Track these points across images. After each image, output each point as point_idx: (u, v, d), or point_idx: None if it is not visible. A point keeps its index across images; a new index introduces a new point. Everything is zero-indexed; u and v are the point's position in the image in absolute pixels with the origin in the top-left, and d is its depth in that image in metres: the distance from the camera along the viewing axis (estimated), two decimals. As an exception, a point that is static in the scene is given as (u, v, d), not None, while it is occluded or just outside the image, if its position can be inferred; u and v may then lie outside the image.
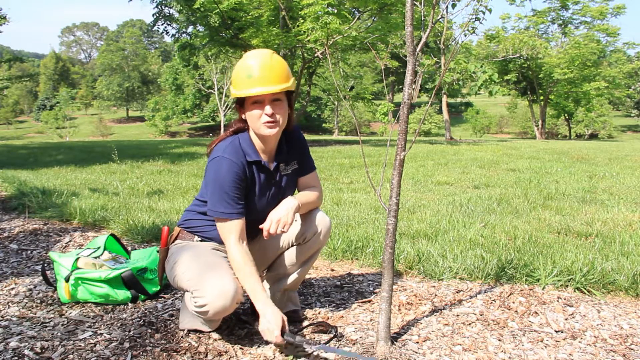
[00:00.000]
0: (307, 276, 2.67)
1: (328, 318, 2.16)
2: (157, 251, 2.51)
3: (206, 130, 49.69)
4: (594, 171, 7.58)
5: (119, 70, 66.01)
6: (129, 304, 2.27)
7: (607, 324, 2.09)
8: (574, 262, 2.60)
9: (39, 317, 2.10)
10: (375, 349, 1.79)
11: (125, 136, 47.73)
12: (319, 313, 2.21)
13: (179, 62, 47.88)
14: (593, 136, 41.15)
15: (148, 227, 3.49)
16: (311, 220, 2.00)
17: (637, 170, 7.86)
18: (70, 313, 2.16)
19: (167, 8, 17.51)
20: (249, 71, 1.77)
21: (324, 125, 50.06)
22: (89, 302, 2.26)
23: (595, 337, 1.97)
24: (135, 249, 2.85)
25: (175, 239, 2.03)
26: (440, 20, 1.83)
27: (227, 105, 37.68)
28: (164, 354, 1.77)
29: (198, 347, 1.83)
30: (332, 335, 1.93)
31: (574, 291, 2.44)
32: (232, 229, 1.82)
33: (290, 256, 2.04)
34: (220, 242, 1.90)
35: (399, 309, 2.21)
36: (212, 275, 1.76)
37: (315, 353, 1.74)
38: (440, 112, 39.16)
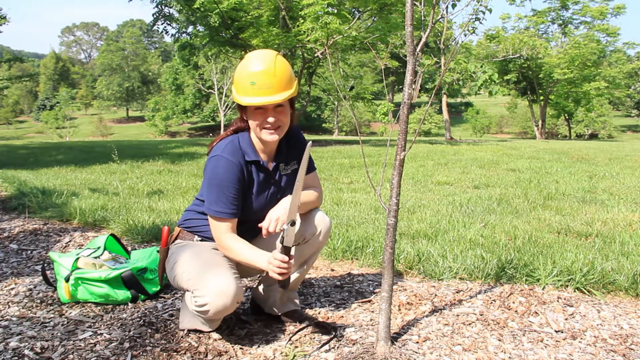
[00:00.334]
0: (307, 276, 2.67)
1: (328, 318, 2.16)
2: (157, 251, 2.51)
3: (206, 130, 49.68)
4: (594, 171, 7.58)
5: (119, 70, 66.00)
6: (129, 304, 2.27)
7: (607, 324, 2.09)
8: (574, 262, 2.60)
9: (39, 317, 2.10)
10: (375, 349, 1.79)
11: (125, 136, 47.73)
12: (319, 313, 2.21)
13: (179, 62, 47.83)
14: (593, 136, 41.15)
15: (148, 227, 3.49)
16: (311, 220, 2.00)
17: (637, 170, 7.86)
18: (70, 313, 2.16)
19: (167, 8, 17.51)
20: (252, 78, 1.76)
21: (324, 125, 50.05)
22: (89, 302, 2.26)
23: (595, 337, 1.97)
24: (135, 249, 2.85)
25: (176, 238, 2.03)
26: (440, 20, 1.83)
27: (227, 105, 37.67)
28: (164, 354, 1.77)
29: (198, 347, 1.83)
30: (332, 335, 1.93)
31: (574, 291, 2.44)
32: (224, 229, 1.83)
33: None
34: None
35: (399, 309, 2.21)
36: (213, 274, 1.76)
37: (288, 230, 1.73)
38: (440, 112, 39.16)
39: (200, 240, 1.99)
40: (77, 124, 52.15)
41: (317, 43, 12.40)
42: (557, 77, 27.72)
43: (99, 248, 2.46)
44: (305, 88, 16.84)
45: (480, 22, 2.06)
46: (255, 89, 1.76)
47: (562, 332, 2.00)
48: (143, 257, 2.51)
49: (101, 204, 4.18)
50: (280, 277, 1.72)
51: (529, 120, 38.21)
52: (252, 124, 1.85)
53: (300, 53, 15.15)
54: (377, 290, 2.47)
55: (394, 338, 1.89)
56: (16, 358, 1.73)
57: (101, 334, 1.93)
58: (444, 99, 28.72)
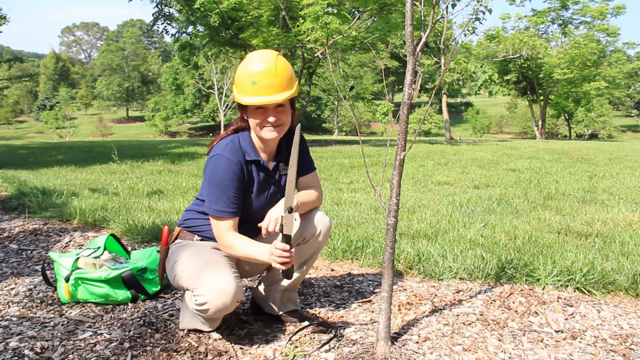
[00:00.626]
0: (307, 276, 2.67)
1: (328, 318, 2.16)
2: (158, 251, 2.51)
3: (206, 130, 49.69)
4: (594, 171, 7.58)
5: (119, 70, 66.01)
6: (129, 304, 2.27)
7: (607, 324, 2.09)
8: (574, 262, 2.60)
9: (39, 317, 2.10)
10: (375, 349, 1.79)
11: (125, 136, 47.73)
12: (319, 313, 2.21)
13: (179, 62, 47.81)
14: (593, 136, 41.15)
15: (148, 227, 3.49)
16: (310, 220, 2.00)
17: (637, 170, 7.86)
18: (70, 313, 2.16)
19: (167, 8, 17.51)
20: (253, 77, 1.76)
21: (324, 125, 50.06)
22: (89, 302, 2.26)
23: (595, 337, 1.97)
24: (135, 249, 2.85)
25: (176, 238, 2.03)
26: (440, 20, 1.83)
27: (227, 105, 37.68)
28: (164, 354, 1.77)
29: (198, 347, 1.83)
30: (332, 335, 1.93)
31: (574, 291, 2.44)
32: (225, 227, 1.83)
33: None
34: None
35: (399, 309, 2.21)
36: (213, 273, 1.76)
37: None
38: (440, 112, 39.16)
39: (200, 240, 1.99)
40: (77, 124, 52.17)
41: (317, 43, 12.40)
42: (557, 77, 27.73)
43: (99, 248, 2.46)
44: (305, 88, 16.84)
45: (480, 22, 2.05)
46: (256, 89, 1.76)
47: (562, 332, 2.00)
48: (143, 257, 2.51)
49: (101, 204, 4.18)
50: (282, 267, 1.71)
51: (529, 120, 38.22)
52: (252, 123, 1.85)
53: (300, 53, 15.16)
54: (377, 290, 2.47)
55: (394, 338, 1.89)
56: (16, 358, 1.73)
57: (101, 334, 1.93)
58: (444, 99, 28.72)
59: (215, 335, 1.93)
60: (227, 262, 1.86)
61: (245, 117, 1.89)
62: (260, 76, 1.75)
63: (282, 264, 1.70)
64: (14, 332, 1.95)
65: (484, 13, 2.01)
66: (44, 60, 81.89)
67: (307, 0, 12.43)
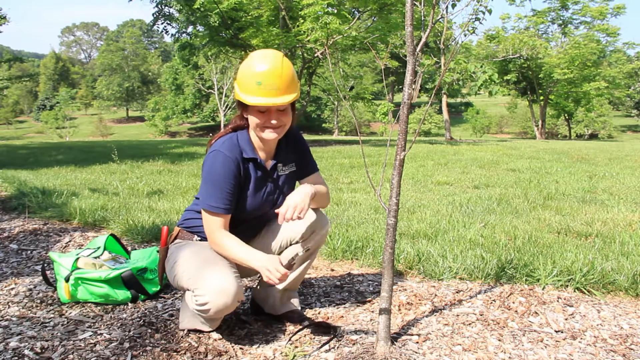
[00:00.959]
0: (307, 276, 2.67)
1: (328, 318, 2.16)
2: (157, 251, 2.51)
3: (206, 130, 49.67)
4: (594, 171, 7.58)
5: (119, 70, 66.00)
6: (129, 304, 2.27)
7: (607, 324, 2.09)
8: (574, 262, 2.60)
9: (39, 317, 2.10)
10: (375, 349, 1.79)
11: (125, 136, 47.73)
12: (319, 313, 2.21)
13: (179, 62, 47.82)
14: (593, 136, 41.16)
15: (148, 227, 3.49)
16: (309, 219, 2.00)
17: (637, 170, 7.86)
18: (70, 313, 2.16)
19: (167, 8, 17.51)
20: (259, 78, 1.75)
21: (324, 125, 50.05)
22: (89, 302, 2.26)
23: (595, 337, 1.97)
24: (135, 249, 2.85)
25: (175, 238, 2.03)
26: (440, 20, 1.83)
27: (227, 105, 37.67)
28: (164, 354, 1.77)
29: (198, 347, 1.83)
30: (332, 335, 1.93)
31: (574, 291, 2.44)
32: (216, 223, 1.83)
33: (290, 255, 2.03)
34: None
35: (399, 309, 2.21)
36: (213, 273, 1.76)
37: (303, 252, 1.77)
38: (440, 112, 39.16)
39: (200, 240, 1.99)
40: (77, 124, 52.15)
41: (317, 43, 12.40)
42: (557, 77, 27.72)
43: (99, 248, 2.46)
44: (305, 88, 16.84)
45: (480, 22, 2.05)
46: (261, 89, 1.75)
47: (562, 332, 2.00)
48: (143, 257, 2.51)
49: (101, 204, 4.18)
50: (271, 282, 1.73)
51: (529, 120, 38.22)
52: (252, 122, 1.85)
53: (300, 53, 15.16)
54: (377, 290, 2.47)
55: (394, 338, 1.89)
56: (16, 358, 1.73)
57: (101, 334, 1.93)
58: (444, 99, 28.71)
59: (215, 335, 1.93)
60: (227, 262, 1.86)
61: (244, 116, 1.89)
62: (265, 77, 1.75)
63: (271, 278, 1.72)
64: (14, 332, 1.95)
65: (484, 13, 2.01)
66: (44, 60, 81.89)
67: (307, 0, 12.43)
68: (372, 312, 2.21)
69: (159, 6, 17.31)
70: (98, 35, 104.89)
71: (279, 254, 2.05)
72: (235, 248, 1.81)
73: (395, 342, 1.86)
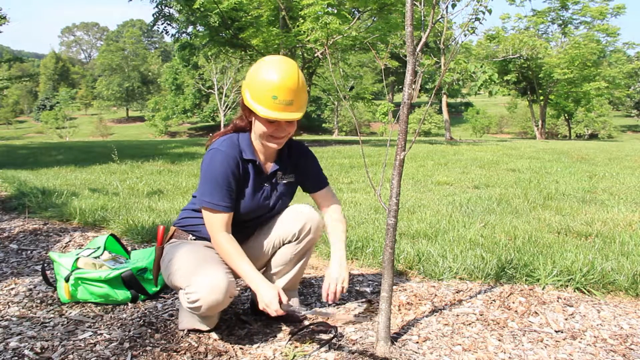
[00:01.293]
0: (307, 276, 2.67)
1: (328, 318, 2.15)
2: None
3: (206, 131, 49.70)
4: (594, 171, 7.58)
5: (119, 70, 66.01)
6: (129, 304, 2.26)
7: (607, 324, 2.09)
8: (574, 262, 2.60)
9: (39, 317, 2.10)
10: (375, 349, 1.79)
11: (125, 136, 47.73)
12: (319, 313, 2.21)
13: (179, 62, 47.90)
14: (593, 136, 41.17)
15: (148, 227, 3.49)
16: (300, 217, 1.99)
17: (637, 170, 7.86)
18: (70, 313, 2.16)
19: (167, 8, 17.52)
20: (275, 92, 1.74)
21: (324, 125, 50.07)
22: (89, 302, 2.26)
23: (595, 337, 1.97)
24: (135, 249, 2.85)
25: (171, 237, 2.03)
26: (440, 20, 1.83)
27: (227, 105, 37.68)
28: (164, 354, 1.77)
29: (198, 347, 1.83)
30: (332, 335, 1.93)
31: (574, 291, 2.44)
32: (219, 221, 1.82)
33: (284, 256, 2.03)
34: None
35: (399, 309, 2.21)
36: (204, 270, 1.77)
37: (305, 314, 1.77)
38: (440, 112, 39.16)
39: (195, 239, 1.99)
40: (77, 124, 52.16)
41: (317, 43, 12.40)
42: (557, 77, 27.73)
43: (99, 248, 2.46)
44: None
45: (480, 22, 2.05)
46: (275, 103, 1.75)
47: (562, 332, 2.00)
48: (143, 257, 2.51)
49: (101, 204, 4.18)
50: (263, 309, 1.76)
51: (529, 120, 38.22)
52: (259, 130, 1.85)
53: (300, 53, 15.16)
54: (377, 290, 2.47)
55: (394, 338, 1.89)
56: (16, 358, 1.73)
57: (101, 334, 1.93)
58: (444, 99, 28.71)
59: (215, 335, 1.93)
60: (220, 259, 1.86)
61: (248, 119, 1.89)
62: (281, 92, 1.74)
63: (265, 310, 1.75)
64: (14, 332, 1.95)
65: (484, 13, 2.01)
66: (44, 60, 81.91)
67: (307, 0, 12.43)
68: (372, 312, 2.21)
69: (159, 6, 17.32)
70: (98, 35, 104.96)
71: (273, 254, 2.05)
72: (237, 261, 1.80)
73: (395, 342, 1.86)
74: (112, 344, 1.83)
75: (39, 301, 2.30)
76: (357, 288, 2.51)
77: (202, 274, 1.75)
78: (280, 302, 1.73)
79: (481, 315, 2.14)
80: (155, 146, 14.75)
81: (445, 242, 3.14)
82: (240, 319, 2.11)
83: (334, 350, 1.83)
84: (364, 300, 2.35)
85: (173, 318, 2.09)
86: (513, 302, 2.26)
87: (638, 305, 2.31)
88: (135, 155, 10.14)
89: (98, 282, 2.24)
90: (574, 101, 30.69)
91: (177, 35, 18.62)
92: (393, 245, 1.75)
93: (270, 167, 1.97)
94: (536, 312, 2.16)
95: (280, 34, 13.74)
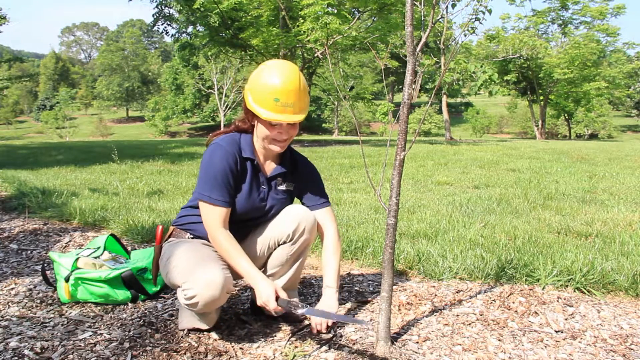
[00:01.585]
0: (307, 276, 2.68)
1: (328, 318, 2.15)
2: (156, 251, 2.51)
3: (206, 131, 49.71)
4: (594, 171, 7.58)
5: (119, 70, 66.02)
6: (129, 304, 2.27)
7: (607, 324, 2.09)
8: (574, 262, 2.60)
9: (39, 317, 2.10)
10: (375, 349, 1.79)
11: (125, 136, 47.73)
12: (319, 313, 2.21)
13: (179, 62, 47.92)
14: (593, 136, 41.18)
15: (148, 227, 3.49)
16: (293, 218, 1.99)
17: (637, 170, 7.86)
18: (70, 313, 2.16)
19: (167, 8, 17.53)
20: (277, 95, 1.77)
21: (324, 125, 50.08)
22: (89, 302, 2.26)
23: (595, 337, 1.97)
24: (135, 249, 2.85)
25: (169, 237, 2.03)
26: (440, 20, 1.83)
27: (227, 105, 37.69)
28: (164, 354, 1.77)
29: (198, 347, 1.83)
30: (332, 335, 1.93)
31: (574, 291, 2.44)
32: (216, 216, 1.83)
33: (279, 257, 2.02)
34: None
35: (399, 309, 2.21)
36: (201, 267, 1.77)
37: (301, 313, 1.76)
38: (440, 112, 39.16)
39: (192, 238, 1.99)
40: (77, 124, 52.16)
41: (317, 43, 12.40)
42: (557, 77, 27.73)
43: (99, 248, 2.46)
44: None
45: (480, 22, 2.05)
46: (278, 106, 1.77)
47: (562, 332, 2.00)
48: (143, 257, 2.51)
49: (101, 204, 4.18)
50: (261, 305, 1.77)
51: (529, 120, 38.22)
52: (262, 133, 1.87)
53: (300, 53, 15.17)
54: (377, 290, 2.47)
55: (394, 338, 1.89)
56: (16, 358, 1.73)
57: (101, 334, 1.93)
58: (444, 99, 28.72)
59: (215, 335, 1.93)
60: (217, 256, 1.87)
61: (251, 123, 1.91)
62: (283, 94, 1.77)
63: (264, 306, 1.76)
64: (14, 332, 1.95)
65: (484, 13, 2.01)
66: (44, 60, 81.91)
67: (307, 0, 12.43)
68: (372, 312, 2.21)
69: (159, 7, 17.33)
70: (98, 35, 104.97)
71: (268, 256, 2.04)
72: (236, 257, 1.80)
73: (395, 342, 1.86)
74: (112, 344, 1.83)
75: (39, 301, 2.30)
76: (357, 288, 2.51)
77: (199, 270, 1.76)
78: (278, 298, 1.74)
79: (481, 315, 2.14)
80: (155, 146, 14.75)
81: (445, 242, 3.14)
82: (240, 319, 2.11)
83: (334, 350, 1.83)
84: (364, 300, 2.35)
85: (173, 318, 2.09)
86: (513, 302, 2.26)
87: (638, 305, 2.31)
88: (135, 155, 10.14)
89: (98, 282, 2.24)
90: (574, 101, 30.69)
91: (177, 36, 18.64)
92: (393, 245, 1.75)
93: (270, 170, 1.98)
94: (536, 312, 2.16)
95: (280, 34, 13.74)
